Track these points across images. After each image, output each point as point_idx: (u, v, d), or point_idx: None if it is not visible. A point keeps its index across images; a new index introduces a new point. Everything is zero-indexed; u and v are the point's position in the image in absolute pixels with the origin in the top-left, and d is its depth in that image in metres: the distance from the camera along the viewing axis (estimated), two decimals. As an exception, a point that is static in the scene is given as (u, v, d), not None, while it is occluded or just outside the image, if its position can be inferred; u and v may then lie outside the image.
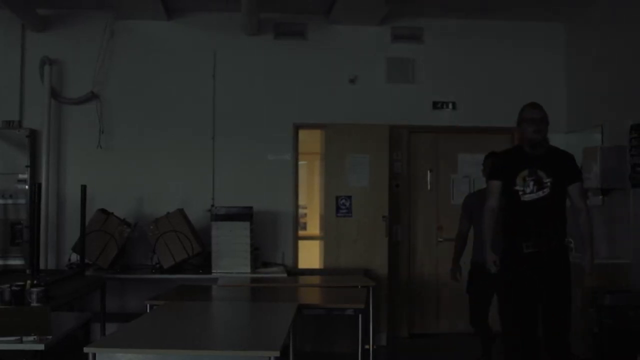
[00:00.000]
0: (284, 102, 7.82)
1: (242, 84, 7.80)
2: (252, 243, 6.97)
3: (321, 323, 6.99)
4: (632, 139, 6.53)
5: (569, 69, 8.02)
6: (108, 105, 7.64)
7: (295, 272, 7.35)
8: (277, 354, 3.20)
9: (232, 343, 3.71)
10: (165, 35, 7.78)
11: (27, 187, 7.23)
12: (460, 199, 6.66)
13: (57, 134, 7.59)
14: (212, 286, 6.23)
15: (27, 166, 7.38)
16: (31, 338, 3.48)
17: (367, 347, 6.05)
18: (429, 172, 8.04)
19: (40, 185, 6.30)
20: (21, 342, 3.47)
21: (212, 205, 7.33)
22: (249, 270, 6.90)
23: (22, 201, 7.28)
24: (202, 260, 7.10)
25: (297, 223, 7.90)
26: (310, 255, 8.27)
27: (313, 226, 9.44)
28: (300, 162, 8.07)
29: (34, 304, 4.07)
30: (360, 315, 5.03)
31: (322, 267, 7.75)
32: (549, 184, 4.74)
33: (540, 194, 4.74)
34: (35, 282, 4.32)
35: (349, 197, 7.64)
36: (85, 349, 3.29)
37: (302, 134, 7.94)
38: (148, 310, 4.89)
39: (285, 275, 6.98)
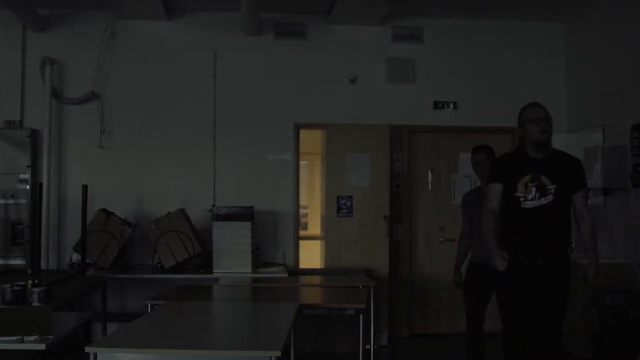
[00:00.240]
0: (285, 102, 7.82)
1: (243, 84, 7.80)
2: (253, 243, 6.97)
3: (322, 323, 6.99)
4: (633, 138, 6.53)
5: (569, 69, 8.02)
6: (109, 105, 7.65)
7: (296, 272, 7.34)
8: (278, 353, 3.20)
9: (233, 343, 3.71)
10: (166, 35, 7.79)
11: (28, 187, 7.24)
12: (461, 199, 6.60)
13: (58, 133, 7.59)
14: (213, 286, 6.23)
15: (28, 166, 7.39)
16: (32, 338, 3.48)
17: (368, 347, 6.04)
18: (429, 172, 8.04)
19: (41, 185, 6.29)
20: (22, 341, 3.47)
21: (213, 205, 7.33)
22: (249, 270, 6.90)
23: (23, 201, 7.28)
24: (203, 260, 7.10)
25: (298, 223, 7.91)
26: (311, 255, 8.28)
27: (314, 226, 9.45)
28: (301, 162, 8.07)
29: (35, 303, 4.07)
30: (361, 315, 5.02)
31: (323, 267, 7.76)
32: (552, 190, 4.45)
33: (543, 201, 4.45)
34: (36, 281, 4.32)
35: (350, 197, 7.64)
36: (87, 349, 3.28)
37: (303, 134, 7.94)
38: (149, 310, 4.89)
39: (286, 275, 6.98)
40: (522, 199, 4.48)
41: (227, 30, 7.77)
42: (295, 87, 7.85)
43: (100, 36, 7.59)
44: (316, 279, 7.12)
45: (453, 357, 7.07)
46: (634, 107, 6.60)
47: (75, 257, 6.93)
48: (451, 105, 8.04)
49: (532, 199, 4.47)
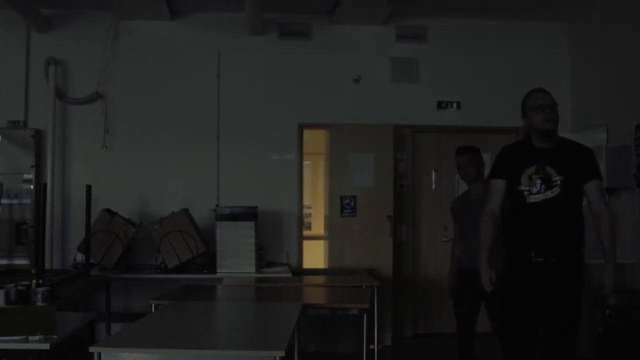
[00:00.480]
0: (288, 102, 7.83)
1: (246, 83, 7.80)
2: (256, 243, 6.97)
3: (325, 323, 6.99)
4: (637, 138, 6.52)
5: (572, 69, 8.01)
6: (112, 106, 7.66)
7: (299, 272, 7.35)
8: (282, 353, 3.20)
9: (237, 343, 3.71)
10: (169, 36, 7.80)
11: (32, 187, 7.24)
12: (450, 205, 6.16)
13: (62, 134, 7.61)
14: (217, 286, 6.24)
15: (32, 166, 7.40)
16: (36, 337, 3.49)
17: (371, 347, 6.05)
18: (433, 172, 8.04)
19: (45, 185, 6.30)
20: (26, 341, 3.48)
21: (217, 205, 7.34)
22: (253, 270, 6.90)
23: (27, 201, 7.29)
24: (207, 260, 7.11)
25: (301, 223, 7.91)
26: (314, 255, 8.28)
27: (317, 226, 9.45)
28: (305, 162, 8.06)
29: (39, 303, 4.07)
30: (364, 315, 5.02)
31: (326, 267, 7.76)
32: (558, 182, 4.05)
33: (549, 194, 4.05)
34: (40, 281, 4.31)
35: (354, 197, 7.64)
36: (91, 349, 3.29)
37: (307, 134, 7.95)
38: (153, 310, 4.90)
39: (289, 275, 6.98)
40: (526, 192, 4.11)
41: (231, 30, 7.77)
42: (299, 87, 7.86)
43: (104, 36, 7.61)
44: (320, 279, 7.12)
45: (457, 358, 7.06)
46: (637, 107, 6.58)
47: (79, 257, 6.95)
48: (454, 105, 8.04)
49: (537, 193, 4.09)
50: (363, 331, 5.13)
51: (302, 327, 4.71)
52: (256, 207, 7.03)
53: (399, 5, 7.38)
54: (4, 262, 7.11)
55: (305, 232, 8.21)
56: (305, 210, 8.26)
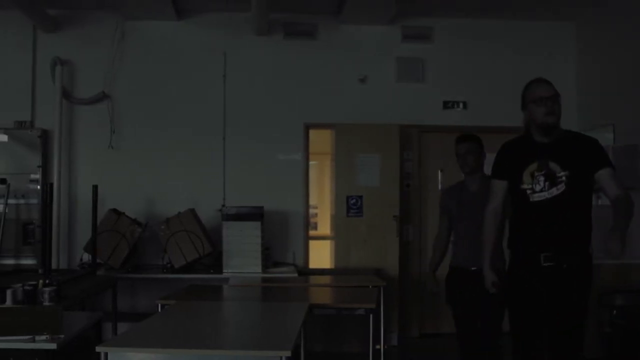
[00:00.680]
0: (294, 102, 7.83)
1: (252, 84, 7.81)
2: (262, 243, 6.97)
3: (332, 323, 6.99)
4: (644, 137, 6.50)
5: (579, 68, 7.99)
6: (119, 106, 7.68)
7: (306, 272, 7.35)
8: (289, 353, 3.19)
9: (243, 343, 3.70)
10: (175, 36, 7.81)
11: (39, 187, 7.26)
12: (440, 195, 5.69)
13: (68, 134, 7.62)
14: (223, 286, 6.23)
15: (39, 166, 7.42)
16: (43, 337, 3.49)
17: (378, 347, 6.04)
18: (439, 171, 8.02)
19: (52, 185, 6.32)
20: (33, 341, 3.48)
21: (223, 205, 7.34)
22: (259, 270, 6.91)
23: (34, 201, 7.31)
24: (213, 260, 7.11)
25: (307, 223, 7.91)
26: (320, 255, 8.28)
27: (324, 226, 9.45)
28: (311, 162, 8.06)
29: (46, 303, 4.07)
30: (371, 315, 5.02)
31: (332, 267, 7.76)
32: (564, 178, 3.79)
33: (554, 191, 3.80)
34: (47, 281, 4.32)
35: (360, 197, 7.63)
36: (97, 348, 3.29)
37: (313, 134, 7.94)
38: (159, 310, 4.90)
39: (296, 275, 6.98)
40: (529, 191, 3.86)
41: (237, 30, 7.78)
42: (305, 87, 7.86)
43: (111, 37, 7.63)
44: (326, 279, 7.11)
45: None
46: (645, 106, 6.57)
47: (86, 257, 6.96)
48: (460, 105, 8.03)
49: (540, 190, 3.83)
50: (369, 331, 5.13)
51: (308, 327, 4.70)
52: (262, 207, 7.03)
53: (404, 5, 7.38)
54: (11, 262, 7.12)
55: (312, 232, 8.20)
56: (311, 210, 8.25)
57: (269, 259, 7.27)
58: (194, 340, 3.57)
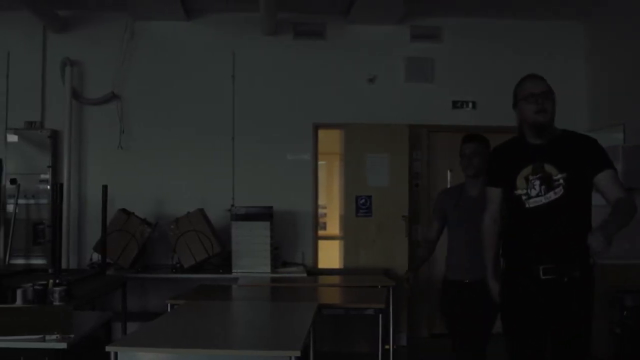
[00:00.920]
0: (303, 102, 7.83)
1: (261, 84, 7.82)
2: (272, 243, 6.97)
3: (341, 323, 6.99)
4: (655, 137, 6.46)
5: (589, 67, 7.95)
6: (128, 106, 7.70)
7: (315, 272, 7.35)
8: (298, 353, 3.19)
9: (253, 343, 3.70)
10: (185, 36, 7.82)
11: (49, 187, 7.29)
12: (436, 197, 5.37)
13: (78, 134, 7.65)
14: (232, 286, 6.24)
15: (48, 166, 7.45)
16: (53, 337, 3.50)
17: (387, 347, 6.04)
18: (448, 171, 8.00)
19: (61, 185, 6.33)
20: (44, 341, 3.49)
21: (232, 205, 7.34)
22: (268, 270, 6.91)
23: (44, 201, 7.34)
24: (222, 260, 7.12)
25: (316, 223, 7.91)
26: (330, 255, 8.28)
27: (333, 226, 9.45)
28: (320, 162, 8.06)
29: (56, 303, 4.09)
30: (380, 315, 5.02)
31: (341, 267, 7.75)
32: (561, 181, 3.47)
33: (552, 195, 3.48)
34: (57, 281, 4.34)
35: (369, 197, 7.63)
36: (107, 348, 3.30)
37: (322, 134, 7.94)
38: (169, 310, 4.91)
39: (305, 275, 6.98)
40: (524, 197, 3.55)
41: (246, 30, 7.79)
42: (314, 87, 7.86)
43: (120, 37, 7.64)
44: (335, 279, 7.11)
45: None
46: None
47: (96, 256, 6.98)
48: (470, 105, 8.01)
49: (537, 195, 3.51)
50: (378, 331, 5.13)
51: (317, 327, 4.70)
52: (271, 207, 7.03)
53: (413, 5, 7.37)
54: (21, 261, 7.16)
55: (321, 232, 8.21)
56: (320, 210, 8.25)
57: (278, 259, 7.27)
58: (203, 340, 3.58)
